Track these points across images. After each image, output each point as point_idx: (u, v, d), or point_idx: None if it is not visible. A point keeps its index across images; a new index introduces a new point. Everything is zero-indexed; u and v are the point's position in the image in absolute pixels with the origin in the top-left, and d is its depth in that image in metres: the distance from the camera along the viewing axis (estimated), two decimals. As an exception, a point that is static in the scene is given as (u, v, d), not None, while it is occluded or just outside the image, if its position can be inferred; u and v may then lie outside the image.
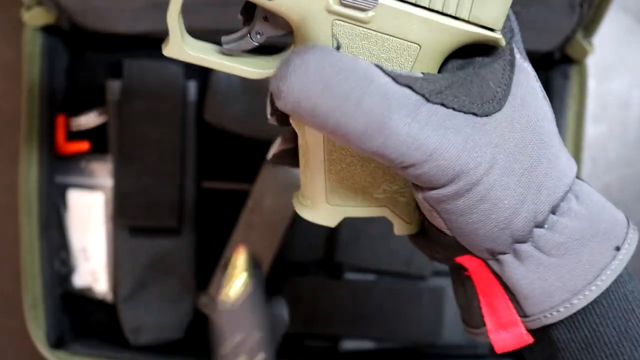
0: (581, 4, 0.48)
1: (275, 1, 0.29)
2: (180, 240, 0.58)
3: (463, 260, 0.33)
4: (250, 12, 0.32)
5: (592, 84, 0.63)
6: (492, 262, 0.32)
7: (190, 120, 0.58)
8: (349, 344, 0.58)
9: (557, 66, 0.56)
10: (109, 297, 0.59)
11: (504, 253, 0.32)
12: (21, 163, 0.55)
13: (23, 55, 0.55)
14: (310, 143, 0.33)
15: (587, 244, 0.31)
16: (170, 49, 0.31)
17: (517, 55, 0.33)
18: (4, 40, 0.61)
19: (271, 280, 0.59)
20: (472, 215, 0.31)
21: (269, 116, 0.34)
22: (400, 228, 0.36)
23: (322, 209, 0.35)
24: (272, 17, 0.32)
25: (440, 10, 0.30)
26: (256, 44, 0.32)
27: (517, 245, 0.32)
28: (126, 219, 0.57)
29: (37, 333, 0.54)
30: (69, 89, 0.59)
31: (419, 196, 0.31)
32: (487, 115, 0.31)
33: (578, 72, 0.55)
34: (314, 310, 0.58)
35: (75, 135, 0.58)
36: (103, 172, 0.58)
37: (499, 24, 0.31)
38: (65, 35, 0.57)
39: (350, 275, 0.58)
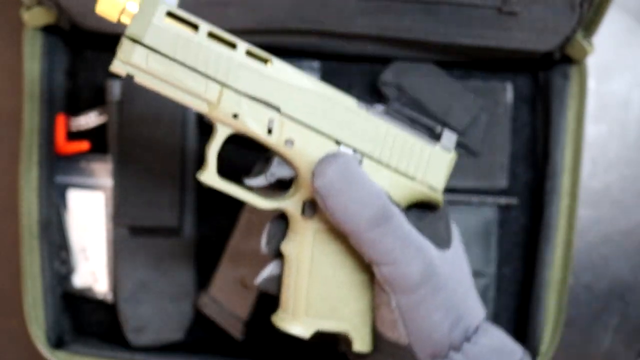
0: (581, 4, 0.48)
1: (293, 149, 0.40)
2: (180, 240, 0.58)
3: None
4: (268, 160, 0.42)
5: (592, 84, 0.63)
6: None
7: (190, 120, 0.58)
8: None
9: (557, 66, 0.56)
10: (109, 297, 0.59)
11: (444, 358, 0.41)
12: (21, 163, 0.55)
13: (23, 55, 0.55)
14: (301, 262, 0.42)
15: (496, 357, 0.42)
16: (207, 177, 0.41)
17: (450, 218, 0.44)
18: (4, 40, 0.61)
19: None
20: (430, 320, 0.40)
21: (263, 247, 0.43)
22: (359, 345, 0.43)
23: (300, 321, 0.43)
24: (284, 164, 0.42)
25: (403, 172, 0.42)
26: (268, 183, 0.42)
27: (452, 353, 0.41)
28: (126, 219, 0.57)
29: (37, 333, 0.54)
30: (69, 89, 0.59)
31: (393, 303, 0.40)
32: (441, 250, 0.42)
33: (578, 72, 0.55)
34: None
35: (75, 135, 0.58)
36: (103, 172, 0.58)
37: (441, 185, 0.43)
38: (65, 35, 0.57)
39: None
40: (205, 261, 0.59)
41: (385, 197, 0.40)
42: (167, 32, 0.37)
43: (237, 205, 0.59)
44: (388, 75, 0.57)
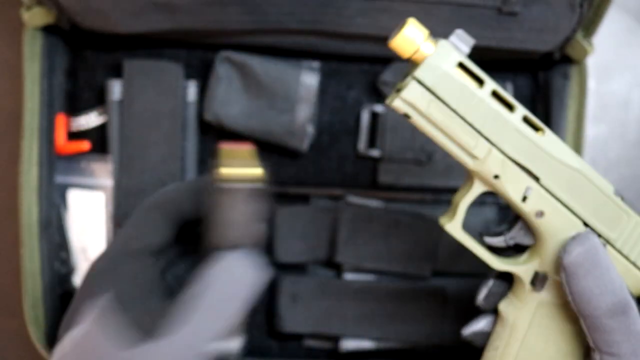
0: (581, 4, 0.48)
1: (541, 220, 0.40)
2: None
3: None
4: (512, 224, 0.42)
5: (592, 84, 0.63)
6: None
7: (190, 120, 0.58)
8: (349, 344, 0.58)
9: (557, 66, 0.56)
10: (109, 297, 0.59)
11: None
12: (21, 163, 0.54)
13: (23, 55, 0.55)
14: (516, 329, 0.42)
15: None
16: (452, 227, 0.41)
17: None
18: (4, 40, 0.61)
19: (271, 281, 0.59)
20: None
21: (481, 300, 0.43)
22: None
23: None
24: (526, 231, 0.41)
25: (634, 263, 0.41)
26: (505, 245, 0.42)
27: None
28: (126, 219, 0.57)
29: (37, 333, 0.54)
30: (69, 89, 0.59)
31: None
32: None
33: (578, 72, 0.55)
34: (314, 310, 0.58)
35: (75, 135, 0.58)
36: (103, 172, 0.58)
37: None
38: (65, 35, 0.57)
39: (350, 276, 0.58)
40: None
41: (626, 288, 0.40)
42: (454, 81, 0.37)
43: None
44: (388, 75, 0.57)
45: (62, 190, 0.58)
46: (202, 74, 0.58)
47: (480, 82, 0.38)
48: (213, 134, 0.59)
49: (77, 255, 0.59)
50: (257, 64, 0.56)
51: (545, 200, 0.39)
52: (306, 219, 0.58)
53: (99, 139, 0.58)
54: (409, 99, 0.37)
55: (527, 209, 0.39)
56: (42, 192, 0.55)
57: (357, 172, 0.59)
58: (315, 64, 0.58)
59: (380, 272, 0.58)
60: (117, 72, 0.58)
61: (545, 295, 0.41)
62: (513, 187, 0.39)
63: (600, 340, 0.39)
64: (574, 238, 0.39)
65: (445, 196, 0.58)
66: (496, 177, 0.39)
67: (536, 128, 0.39)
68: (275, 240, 0.58)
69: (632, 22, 0.63)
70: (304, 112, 0.56)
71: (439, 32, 0.51)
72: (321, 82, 0.58)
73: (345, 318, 0.58)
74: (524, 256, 0.42)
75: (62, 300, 0.58)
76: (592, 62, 0.61)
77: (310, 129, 0.57)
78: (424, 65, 0.37)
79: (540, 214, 0.39)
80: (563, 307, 0.41)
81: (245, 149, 0.42)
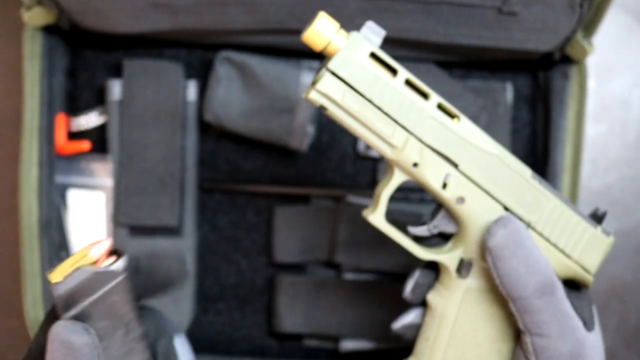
0: (581, 4, 0.48)
1: (462, 207, 0.40)
2: (180, 240, 0.58)
3: None
4: (435, 213, 0.42)
5: (592, 84, 0.63)
6: None
7: (190, 120, 0.58)
8: (348, 344, 0.58)
9: (557, 66, 0.56)
10: (109, 297, 0.59)
11: None
12: (21, 163, 0.55)
13: (23, 55, 0.55)
14: (445, 318, 0.42)
15: None
16: (375, 218, 0.41)
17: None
18: (4, 40, 0.61)
19: (271, 281, 0.59)
20: None
21: (408, 293, 0.44)
22: None
23: None
24: (449, 219, 0.41)
25: (561, 249, 0.41)
26: (429, 234, 0.42)
27: None
28: (126, 219, 0.57)
29: (37, 333, 0.54)
30: (69, 89, 0.59)
31: None
32: (588, 331, 0.41)
33: (578, 72, 0.55)
34: (314, 310, 0.58)
35: (75, 135, 0.58)
36: (103, 172, 0.58)
37: (593, 269, 0.42)
38: (65, 35, 0.57)
39: (349, 276, 0.58)
40: (205, 261, 0.60)
41: (552, 268, 0.40)
42: (367, 71, 0.37)
43: (238, 206, 0.59)
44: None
45: (62, 190, 0.58)
46: (202, 74, 0.58)
47: (393, 71, 0.38)
48: (213, 134, 0.59)
49: (77, 255, 0.59)
50: (257, 64, 0.56)
51: (465, 186, 0.40)
52: (306, 219, 0.58)
53: (99, 139, 0.58)
54: (323, 91, 0.37)
55: (448, 195, 0.40)
56: (42, 192, 0.55)
57: (357, 172, 0.59)
58: (315, 64, 0.58)
59: (379, 272, 0.58)
60: (117, 72, 0.58)
61: (471, 281, 0.41)
62: (432, 174, 0.39)
63: (530, 321, 0.39)
64: (496, 221, 0.39)
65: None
66: (415, 165, 0.39)
67: (451, 115, 0.39)
68: (275, 240, 0.58)
69: (632, 22, 0.63)
70: (304, 112, 0.56)
71: (439, 31, 0.52)
72: (321, 82, 0.58)
73: (345, 318, 0.58)
74: (449, 244, 0.42)
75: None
76: (592, 62, 0.61)
77: (310, 129, 0.57)
78: (336, 57, 0.37)
79: (460, 200, 0.40)
80: (490, 292, 0.41)
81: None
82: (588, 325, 0.41)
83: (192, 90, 0.58)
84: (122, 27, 0.53)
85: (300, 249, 0.58)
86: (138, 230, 0.57)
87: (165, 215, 0.57)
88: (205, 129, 0.58)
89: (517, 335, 0.42)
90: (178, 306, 0.58)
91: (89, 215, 0.58)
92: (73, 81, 0.59)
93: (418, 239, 0.43)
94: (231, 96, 0.56)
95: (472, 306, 0.42)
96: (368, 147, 0.58)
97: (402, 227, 0.43)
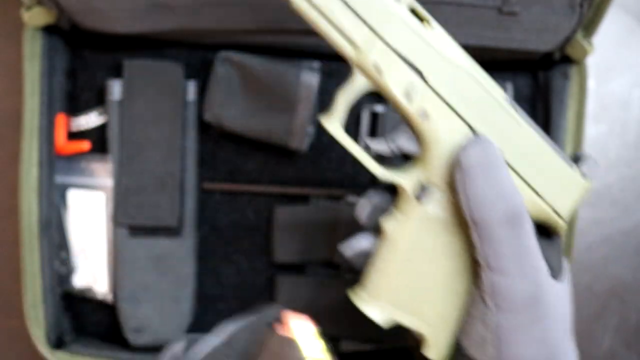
0: (581, 4, 0.48)
1: (425, 123, 0.37)
2: (180, 240, 0.58)
3: None
4: (397, 131, 0.40)
5: (592, 84, 0.63)
6: None
7: (190, 120, 0.58)
8: (348, 345, 0.58)
9: (557, 66, 0.56)
10: (109, 297, 0.59)
11: None
12: (21, 163, 0.55)
13: (23, 55, 0.55)
14: (397, 245, 0.39)
15: None
16: (330, 124, 0.38)
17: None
18: (4, 40, 0.61)
19: (271, 281, 0.59)
20: (523, 350, 0.36)
21: (363, 216, 0.40)
22: (432, 351, 0.40)
23: (378, 305, 0.40)
24: (412, 137, 0.39)
25: (532, 186, 0.38)
26: (389, 151, 0.40)
27: None
28: (126, 219, 0.57)
29: (37, 333, 0.54)
30: (69, 89, 0.59)
31: (491, 319, 0.37)
32: (553, 279, 0.38)
33: (578, 72, 0.55)
34: (314, 310, 0.58)
35: (75, 135, 0.58)
36: (103, 172, 0.58)
37: (566, 214, 0.39)
38: (65, 35, 0.57)
39: (350, 276, 0.58)
40: (205, 261, 0.60)
41: (522, 199, 0.37)
42: None
43: (238, 206, 0.59)
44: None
45: (62, 190, 0.58)
46: (202, 74, 0.58)
47: None
48: (213, 134, 0.59)
49: (77, 255, 0.59)
50: (257, 64, 0.56)
51: (430, 99, 0.37)
52: (306, 219, 0.58)
53: (99, 139, 0.58)
54: None
55: (410, 108, 0.37)
56: (42, 192, 0.55)
57: (357, 172, 0.59)
58: (315, 64, 0.58)
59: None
60: (117, 72, 0.58)
61: (430, 208, 0.38)
62: (395, 81, 0.36)
63: (490, 252, 0.36)
64: (472, 138, 0.37)
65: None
66: (378, 70, 0.37)
67: (423, 20, 0.37)
68: (275, 240, 0.58)
69: (632, 22, 0.63)
70: (304, 112, 0.56)
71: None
72: (321, 82, 0.58)
73: (345, 318, 0.58)
74: (409, 166, 0.39)
75: (62, 300, 0.58)
76: (592, 62, 0.61)
77: (310, 129, 0.57)
78: None
79: (424, 114, 0.37)
80: (449, 222, 0.38)
81: (314, 328, 0.40)
82: (555, 273, 0.38)
83: (192, 90, 0.58)
84: (122, 27, 0.53)
85: (300, 249, 0.58)
86: (138, 230, 0.57)
87: (165, 215, 0.57)
88: (205, 129, 0.58)
89: (475, 274, 0.39)
90: (178, 307, 0.58)
91: (89, 215, 0.58)
92: (73, 81, 0.59)
93: (379, 160, 0.40)
94: (231, 96, 0.56)
95: (428, 236, 0.39)
96: (367, 147, 0.58)
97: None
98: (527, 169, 0.38)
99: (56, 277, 0.57)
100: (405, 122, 0.38)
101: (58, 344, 0.56)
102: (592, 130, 0.63)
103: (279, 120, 0.56)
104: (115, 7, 0.50)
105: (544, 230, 0.40)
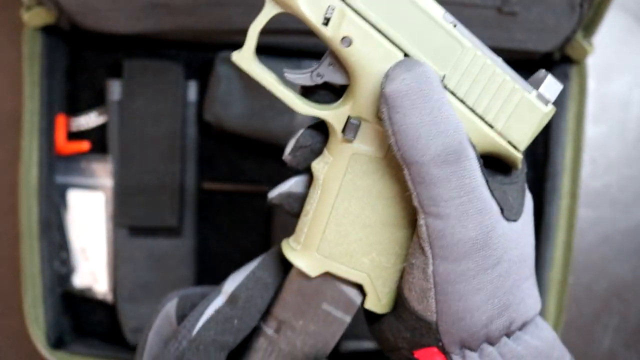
0: (581, 4, 0.48)
1: (349, 50, 0.32)
2: (180, 240, 0.58)
3: (424, 353, 0.35)
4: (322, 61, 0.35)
5: (592, 84, 0.63)
6: (455, 358, 0.34)
7: (190, 120, 0.58)
8: (349, 344, 0.58)
9: (557, 66, 0.56)
10: (109, 297, 0.59)
11: (472, 350, 0.34)
12: (21, 163, 0.55)
13: (23, 55, 0.55)
14: (327, 188, 0.35)
15: None
16: (241, 57, 0.34)
17: (526, 186, 0.37)
18: (4, 40, 0.61)
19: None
20: (467, 301, 0.33)
21: (287, 155, 0.36)
22: (371, 302, 0.37)
23: (310, 256, 0.36)
24: (336, 66, 0.34)
25: (480, 115, 0.33)
26: (312, 83, 0.35)
27: (485, 346, 0.34)
28: (126, 219, 0.57)
29: (37, 333, 0.54)
30: (69, 89, 0.59)
31: (430, 268, 0.33)
32: (507, 220, 0.34)
33: (578, 72, 0.55)
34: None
35: (75, 135, 0.58)
36: (103, 172, 0.58)
37: (523, 144, 0.34)
38: (65, 35, 0.57)
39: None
40: (205, 261, 0.59)
41: (465, 133, 0.32)
42: None
43: (238, 206, 0.59)
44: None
45: (62, 190, 0.58)
46: (202, 74, 0.58)
47: None
48: (213, 134, 0.59)
49: (77, 255, 0.59)
50: (257, 64, 0.56)
51: (353, 23, 0.32)
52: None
53: (99, 139, 0.58)
54: None
55: (330, 34, 0.33)
56: (42, 192, 0.55)
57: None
58: (316, 64, 0.58)
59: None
60: (117, 72, 0.58)
61: (360, 146, 0.34)
62: (309, 4, 0.32)
63: (425, 195, 0.31)
64: (399, 62, 0.32)
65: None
66: None
67: None
68: (275, 240, 0.58)
69: (632, 22, 0.63)
70: (304, 112, 0.56)
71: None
72: (321, 82, 0.57)
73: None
74: (339, 101, 0.35)
75: (62, 300, 0.58)
76: (592, 62, 0.61)
77: (310, 129, 0.57)
78: None
79: (347, 41, 0.32)
80: (384, 162, 0.34)
81: None
82: (507, 213, 0.34)
83: (192, 90, 0.58)
84: (122, 27, 0.53)
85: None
86: (138, 230, 0.57)
87: (165, 216, 0.57)
88: (205, 129, 0.58)
89: (413, 221, 0.35)
90: (178, 306, 0.58)
91: (89, 215, 0.58)
92: (73, 81, 0.59)
93: (306, 94, 0.35)
94: (231, 96, 0.56)
95: (359, 177, 0.34)
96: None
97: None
98: (474, 96, 0.33)
99: (56, 277, 0.57)
100: (329, 50, 0.34)
101: (58, 344, 0.56)
102: (592, 131, 0.63)
103: (279, 120, 0.56)
104: (115, 7, 0.50)
105: (502, 165, 0.36)
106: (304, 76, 0.35)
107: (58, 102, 0.57)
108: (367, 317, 0.38)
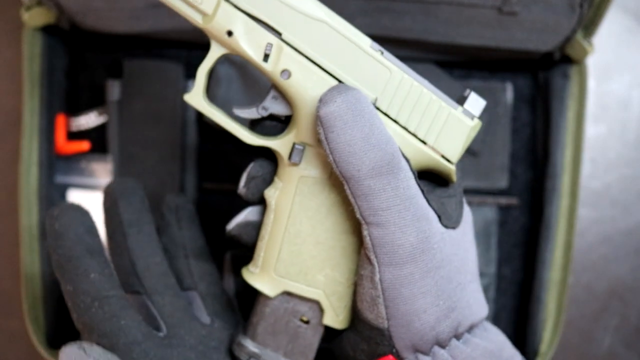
0: (581, 4, 0.48)
1: (289, 82, 0.36)
2: (180, 240, 0.58)
3: None
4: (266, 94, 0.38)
5: (592, 84, 0.63)
6: None
7: (190, 120, 0.58)
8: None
9: (557, 66, 0.56)
10: (109, 297, 0.59)
11: (425, 354, 0.36)
12: (21, 163, 0.55)
13: (23, 55, 0.55)
14: (279, 212, 0.38)
15: None
16: (192, 98, 0.38)
17: (464, 199, 0.40)
18: (4, 40, 0.61)
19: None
20: (414, 304, 0.35)
21: (241, 188, 0.39)
22: (329, 318, 0.39)
23: (268, 277, 0.39)
24: (279, 98, 0.37)
25: (413, 132, 0.37)
26: (259, 116, 0.38)
27: (437, 349, 0.36)
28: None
29: (37, 333, 0.54)
30: (69, 89, 0.59)
31: (377, 276, 0.35)
32: (446, 227, 0.37)
33: (578, 72, 0.55)
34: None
35: (75, 135, 0.58)
36: (103, 172, 0.58)
37: (455, 157, 0.37)
38: (65, 35, 0.57)
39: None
40: (205, 261, 0.59)
41: (397, 146, 0.35)
42: None
43: (238, 205, 0.59)
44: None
45: (62, 190, 0.58)
46: (202, 74, 0.58)
47: None
48: (213, 134, 0.59)
49: (77, 255, 0.58)
50: (257, 64, 0.56)
51: (290, 57, 0.35)
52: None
53: (99, 139, 0.58)
54: None
55: (270, 68, 0.36)
56: (42, 192, 0.55)
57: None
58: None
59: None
60: (117, 72, 0.58)
61: (305, 169, 0.37)
62: (249, 44, 0.35)
63: (365, 207, 0.34)
64: (332, 88, 0.35)
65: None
66: (230, 34, 0.35)
67: None
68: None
69: (632, 22, 0.63)
70: (304, 112, 0.56)
71: (439, 32, 0.51)
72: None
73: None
74: (284, 131, 0.38)
75: (62, 300, 0.58)
76: (592, 62, 0.61)
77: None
78: None
79: (286, 73, 0.36)
80: (328, 181, 0.37)
81: None
82: (446, 221, 0.37)
83: (192, 90, 0.58)
84: (122, 27, 0.53)
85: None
86: (138, 230, 0.57)
87: (165, 215, 0.57)
88: (205, 129, 0.58)
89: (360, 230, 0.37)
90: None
91: (89, 215, 0.58)
92: (73, 81, 0.59)
93: (254, 127, 0.39)
94: (231, 96, 0.56)
95: (307, 198, 0.37)
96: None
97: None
98: (406, 115, 0.36)
99: (56, 278, 0.57)
100: (271, 84, 0.37)
101: (58, 344, 0.56)
102: (592, 130, 0.63)
103: (279, 120, 0.56)
104: (115, 7, 0.50)
105: (440, 180, 0.39)
106: (250, 110, 0.38)
107: (58, 102, 0.57)
108: (328, 335, 0.40)
